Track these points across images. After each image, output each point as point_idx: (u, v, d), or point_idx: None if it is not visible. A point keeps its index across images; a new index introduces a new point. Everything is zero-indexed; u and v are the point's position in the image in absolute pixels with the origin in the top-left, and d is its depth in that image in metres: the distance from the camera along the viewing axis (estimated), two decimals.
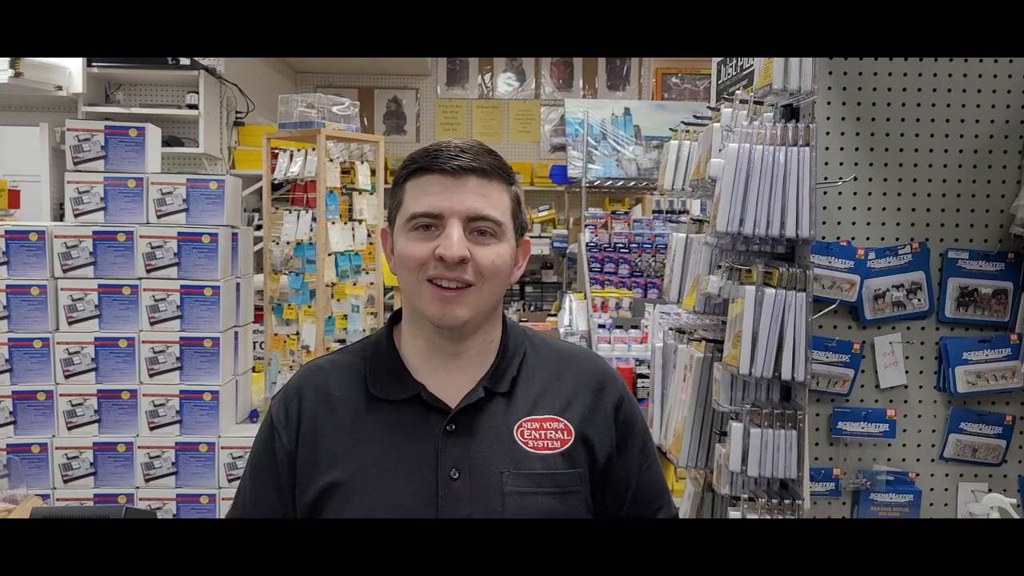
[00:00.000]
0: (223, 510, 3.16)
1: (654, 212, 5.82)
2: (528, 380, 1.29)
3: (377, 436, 1.24)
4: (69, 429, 3.13)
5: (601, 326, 4.36)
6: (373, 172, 4.30)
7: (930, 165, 1.97)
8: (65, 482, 3.13)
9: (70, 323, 3.12)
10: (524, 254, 1.32)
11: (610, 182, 6.07)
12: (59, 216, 4.76)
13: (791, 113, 1.93)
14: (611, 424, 1.30)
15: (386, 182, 3.27)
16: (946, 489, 2.00)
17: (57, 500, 3.10)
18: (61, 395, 3.12)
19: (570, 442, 1.25)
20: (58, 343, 3.11)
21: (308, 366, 1.35)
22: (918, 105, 1.96)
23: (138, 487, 3.17)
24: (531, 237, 7.19)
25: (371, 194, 4.28)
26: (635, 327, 4.40)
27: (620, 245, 5.07)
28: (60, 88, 4.93)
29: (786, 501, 1.80)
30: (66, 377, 3.12)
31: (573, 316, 4.70)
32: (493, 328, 1.30)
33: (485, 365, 1.28)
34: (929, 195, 1.97)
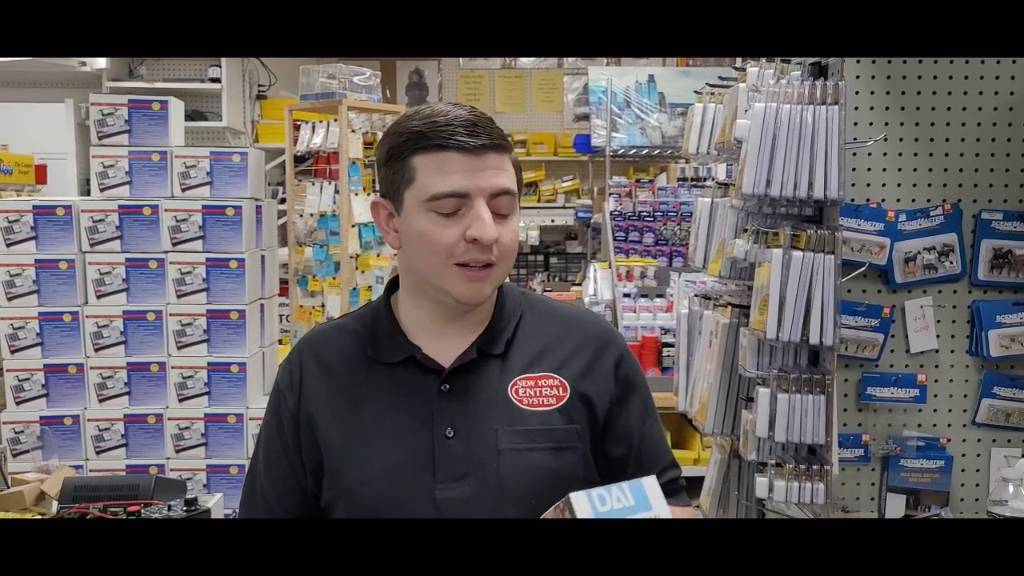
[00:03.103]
0: None
1: (679, 180, 5.75)
2: (525, 341, 1.30)
3: (374, 398, 1.26)
4: (100, 401, 3.17)
5: (626, 295, 4.34)
6: None
7: (963, 124, 1.91)
8: (97, 453, 3.17)
9: (98, 297, 3.15)
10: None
11: (634, 150, 6.00)
12: (86, 191, 4.79)
13: (819, 71, 1.88)
14: (611, 380, 1.31)
15: None
16: (978, 455, 1.97)
17: (90, 471, 3.15)
18: (92, 368, 3.16)
19: (566, 398, 1.27)
20: (87, 316, 3.14)
21: (313, 330, 1.38)
22: (951, 62, 1.90)
23: (168, 458, 3.21)
24: (555, 208, 7.13)
25: None
26: (660, 296, 4.37)
27: (645, 214, 5.02)
28: (84, 64, 4.96)
29: (814, 467, 1.78)
30: (96, 350, 3.15)
31: (598, 285, 4.68)
32: (493, 294, 1.32)
33: (481, 328, 1.30)
34: (962, 155, 1.92)
